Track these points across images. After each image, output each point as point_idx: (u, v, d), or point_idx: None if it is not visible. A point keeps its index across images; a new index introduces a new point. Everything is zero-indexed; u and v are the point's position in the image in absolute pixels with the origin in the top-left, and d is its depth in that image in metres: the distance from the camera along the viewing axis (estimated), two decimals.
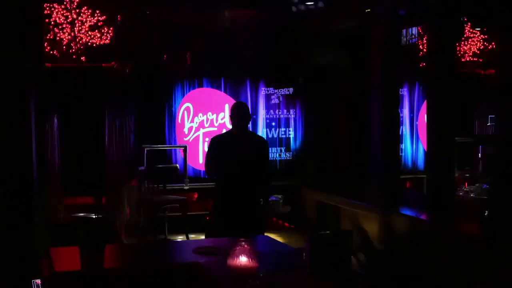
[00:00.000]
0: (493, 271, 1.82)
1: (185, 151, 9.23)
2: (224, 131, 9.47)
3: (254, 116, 9.78)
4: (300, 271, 2.57)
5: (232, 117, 4.89)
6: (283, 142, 10.09)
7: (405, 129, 10.83)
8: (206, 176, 5.21)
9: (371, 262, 1.92)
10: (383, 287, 1.90)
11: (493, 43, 10.19)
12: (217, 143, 4.86)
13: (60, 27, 8.43)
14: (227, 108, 9.58)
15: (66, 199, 8.89)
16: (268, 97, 9.99)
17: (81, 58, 8.55)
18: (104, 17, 8.59)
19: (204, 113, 9.69)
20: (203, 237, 4.28)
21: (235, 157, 4.68)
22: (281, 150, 10.07)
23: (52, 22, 8.38)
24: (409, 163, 10.86)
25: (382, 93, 7.67)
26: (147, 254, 3.52)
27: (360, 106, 8.77)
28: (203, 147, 9.69)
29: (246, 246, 2.72)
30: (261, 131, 9.86)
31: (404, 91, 10.80)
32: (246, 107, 4.96)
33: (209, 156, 4.85)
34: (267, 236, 3.94)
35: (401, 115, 10.48)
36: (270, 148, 9.89)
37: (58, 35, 8.42)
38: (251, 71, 9.86)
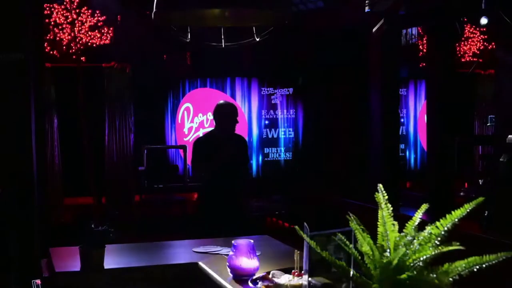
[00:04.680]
0: (493, 272, 1.82)
1: (185, 151, 9.22)
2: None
3: (252, 116, 9.78)
4: (300, 271, 2.57)
5: (221, 118, 4.83)
6: (283, 143, 10.09)
7: (405, 129, 10.83)
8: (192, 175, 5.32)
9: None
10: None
11: (493, 43, 10.18)
12: (203, 144, 4.88)
13: (60, 27, 8.42)
14: None
15: (66, 199, 8.89)
16: (268, 97, 9.99)
17: (81, 58, 8.54)
18: (104, 17, 8.58)
19: (204, 113, 9.69)
20: (203, 237, 4.29)
21: (222, 159, 4.71)
22: (281, 151, 10.07)
23: (52, 22, 8.37)
24: (410, 163, 10.87)
25: (382, 93, 7.68)
26: (147, 254, 3.52)
27: (360, 106, 8.77)
28: None
29: (246, 246, 2.72)
30: (261, 131, 9.87)
31: (404, 91, 10.80)
32: (236, 110, 4.93)
33: (195, 158, 4.86)
34: (267, 236, 3.94)
35: (401, 115, 10.49)
36: (270, 149, 9.92)
37: (58, 35, 8.41)
38: (251, 71, 9.86)
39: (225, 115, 4.81)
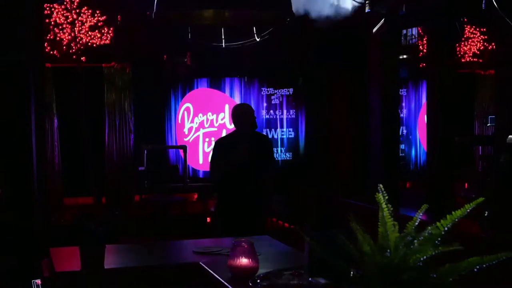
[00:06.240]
0: (493, 272, 1.83)
1: (185, 151, 9.22)
2: (224, 131, 9.48)
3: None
4: (300, 271, 2.57)
5: (239, 120, 4.78)
6: (284, 143, 10.09)
7: (405, 129, 10.83)
8: (208, 176, 5.18)
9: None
10: None
11: (493, 43, 10.18)
12: (223, 145, 4.81)
13: (60, 27, 8.43)
14: (227, 108, 9.58)
15: (66, 199, 8.89)
16: (268, 98, 9.99)
17: (81, 58, 8.54)
18: (104, 17, 8.58)
19: (204, 114, 9.69)
20: (203, 237, 4.28)
21: (242, 159, 4.63)
22: (281, 151, 10.07)
23: (52, 22, 8.38)
24: (410, 163, 10.87)
25: (382, 93, 7.68)
26: (147, 254, 3.52)
27: (360, 106, 8.77)
28: (203, 148, 9.69)
29: (246, 246, 2.72)
30: (261, 132, 9.86)
31: (404, 91, 10.80)
32: (250, 109, 4.90)
33: (214, 159, 4.76)
34: (267, 236, 3.94)
35: (401, 115, 10.49)
36: None
37: (58, 35, 8.42)
38: (251, 71, 9.85)
39: (238, 115, 4.77)
